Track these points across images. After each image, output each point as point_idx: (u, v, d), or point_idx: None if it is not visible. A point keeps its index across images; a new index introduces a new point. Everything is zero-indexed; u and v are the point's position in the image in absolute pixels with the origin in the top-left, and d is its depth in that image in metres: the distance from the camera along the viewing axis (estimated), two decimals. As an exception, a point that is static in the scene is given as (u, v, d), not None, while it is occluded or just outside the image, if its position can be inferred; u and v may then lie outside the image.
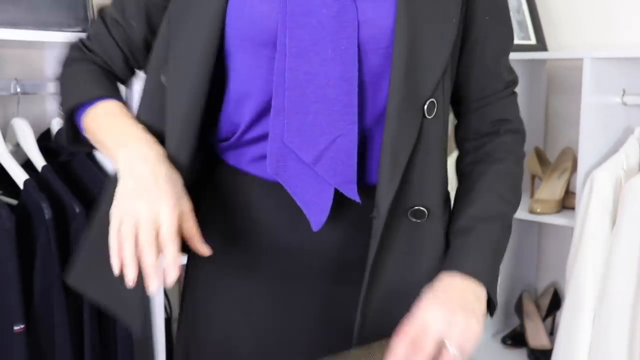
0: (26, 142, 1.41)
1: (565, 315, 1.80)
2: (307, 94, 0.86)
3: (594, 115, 1.74)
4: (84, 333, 1.31)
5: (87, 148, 1.00)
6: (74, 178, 1.40)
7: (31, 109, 1.57)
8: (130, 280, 0.79)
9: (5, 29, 1.23)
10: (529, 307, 2.10)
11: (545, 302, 2.11)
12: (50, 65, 1.58)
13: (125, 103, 0.95)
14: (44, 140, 1.49)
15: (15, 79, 1.41)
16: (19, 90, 1.41)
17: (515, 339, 2.10)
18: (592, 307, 1.74)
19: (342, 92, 0.86)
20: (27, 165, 1.41)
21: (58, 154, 1.44)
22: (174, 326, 1.91)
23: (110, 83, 0.98)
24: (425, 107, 0.88)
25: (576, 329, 1.75)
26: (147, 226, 0.80)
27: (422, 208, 0.91)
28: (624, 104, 1.77)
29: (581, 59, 1.73)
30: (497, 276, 0.93)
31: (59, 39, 1.29)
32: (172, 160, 0.88)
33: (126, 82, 1.03)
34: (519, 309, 2.10)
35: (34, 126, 1.45)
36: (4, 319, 1.22)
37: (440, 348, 0.82)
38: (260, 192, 0.95)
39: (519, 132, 1.01)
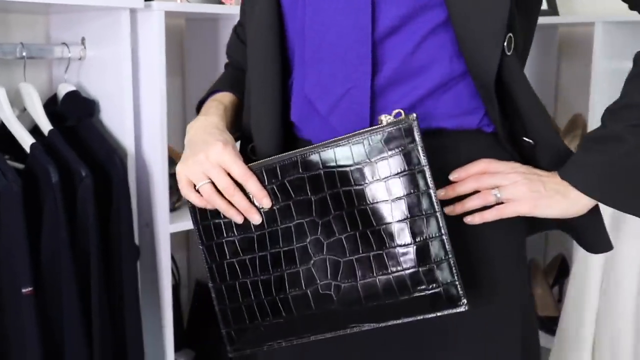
0: (33, 106, 1.41)
1: (572, 283, 1.80)
2: (324, 45, 0.87)
3: (605, 81, 1.72)
4: (91, 296, 1.32)
5: None
6: (80, 143, 1.40)
7: (37, 75, 1.57)
8: (239, 218, 0.88)
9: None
10: (537, 274, 2.10)
11: (554, 270, 2.11)
12: (56, 30, 1.57)
13: (239, 94, 1.03)
14: (51, 105, 1.49)
15: (21, 43, 1.40)
16: (24, 54, 1.40)
17: (523, 306, 2.10)
18: (599, 275, 1.73)
19: (356, 42, 0.85)
20: (34, 130, 1.41)
21: (65, 119, 1.43)
22: (183, 292, 1.93)
23: (234, 79, 1.05)
24: (505, 43, 0.83)
25: (583, 297, 1.75)
26: (216, 170, 0.87)
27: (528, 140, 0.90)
28: (636, 69, 1.74)
29: (593, 23, 1.70)
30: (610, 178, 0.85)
31: (63, 1, 1.28)
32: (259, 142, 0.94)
33: None
34: (526, 276, 2.10)
35: (40, 91, 1.45)
36: (12, 282, 1.22)
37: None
38: None
39: None
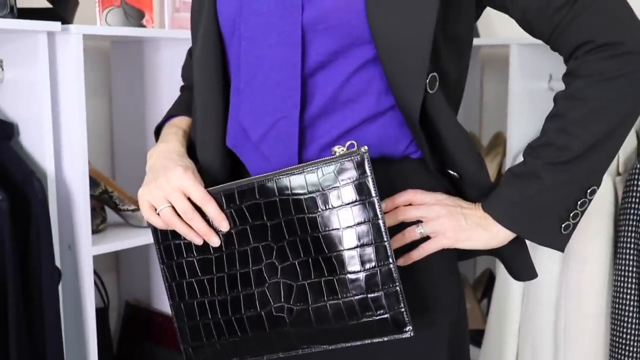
0: (-51, 130, 1.39)
1: (496, 297, 1.85)
2: (257, 76, 0.91)
3: (521, 101, 1.79)
4: (8, 322, 1.30)
5: None
6: (-3, 165, 1.38)
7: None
8: (198, 240, 0.91)
9: None
10: (465, 289, 2.15)
11: (481, 285, 2.17)
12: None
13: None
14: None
15: (-63, 66, 1.38)
16: (-60, 77, 1.38)
17: (453, 320, 2.14)
18: (520, 287, 1.79)
19: (287, 76, 0.89)
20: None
21: (-18, 142, 1.42)
22: (112, 315, 1.91)
23: (190, 102, 1.06)
24: (428, 82, 0.87)
25: (506, 309, 1.80)
26: (177, 195, 0.89)
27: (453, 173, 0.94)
28: (551, 89, 1.82)
29: (508, 45, 1.77)
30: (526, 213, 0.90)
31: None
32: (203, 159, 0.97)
33: None
34: (456, 291, 2.15)
35: (-43, 114, 1.43)
36: None
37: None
38: None
39: (610, 46, 0.86)
